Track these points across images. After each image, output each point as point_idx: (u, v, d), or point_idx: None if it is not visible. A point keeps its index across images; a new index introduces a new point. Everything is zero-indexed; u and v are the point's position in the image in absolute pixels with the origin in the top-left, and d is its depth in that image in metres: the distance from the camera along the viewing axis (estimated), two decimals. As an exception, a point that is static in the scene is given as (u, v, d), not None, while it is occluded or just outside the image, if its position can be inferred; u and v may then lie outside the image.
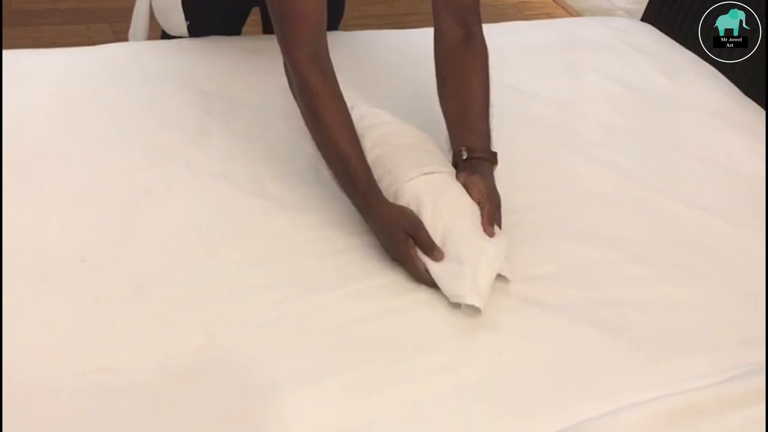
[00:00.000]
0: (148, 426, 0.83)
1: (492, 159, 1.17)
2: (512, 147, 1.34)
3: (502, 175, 1.25)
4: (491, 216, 1.09)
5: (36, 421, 0.82)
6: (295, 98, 1.14)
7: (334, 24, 1.65)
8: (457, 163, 1.17)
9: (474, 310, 0.99)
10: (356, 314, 0.99)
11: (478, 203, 1.11)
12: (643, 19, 2.18)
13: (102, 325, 0.93)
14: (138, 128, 1.25)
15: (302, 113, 1.13)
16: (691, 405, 0.89)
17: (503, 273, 1.04)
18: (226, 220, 1.11)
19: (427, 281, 1.03)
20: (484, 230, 1.07)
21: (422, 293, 1.02)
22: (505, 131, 1.38)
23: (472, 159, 1.15)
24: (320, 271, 1.04)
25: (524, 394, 0.92)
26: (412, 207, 1.08)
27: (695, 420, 0.88)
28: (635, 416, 0.87)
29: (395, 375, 0.92)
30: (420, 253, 1.04)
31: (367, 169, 1.09)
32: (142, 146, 1.21)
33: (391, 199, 1.10)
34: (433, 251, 1.03)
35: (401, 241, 1.04)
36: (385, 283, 1.03)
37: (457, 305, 1.00)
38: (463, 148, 1.16)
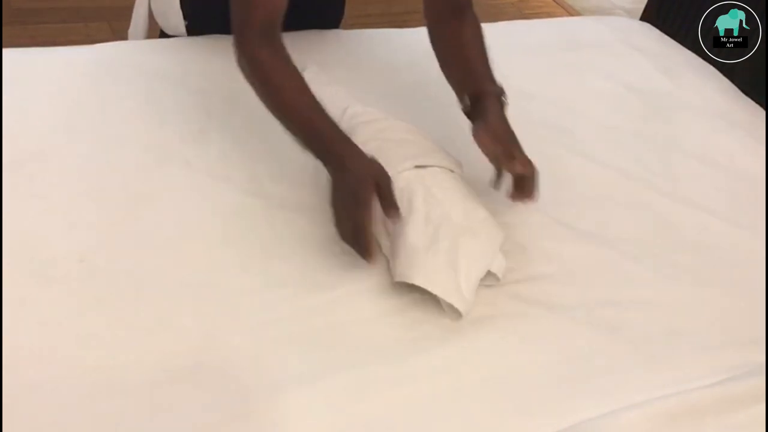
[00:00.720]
0: (147, 426, 0.83)
1: (498, 92, 1.15)
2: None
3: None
4: (520, 185, 1.08)
5: (35, 420, 0.82)
6: (247, 79, 1.13)
7: (334, 23, 1.65)
8: (467, 114, 1.16)
9: (455, 312, 0.97)
10: (356, 314, 0.99)
11: (495, 160, 1.10)
12: (642, 19, 2.19)
13: (101, 325, 0.93)
14: (137, 127, 1.25)
15: (257, 91, 1.12)
16: (691, 405, 0.89)
17: (494, 270, 1.03)
18: (225, 219, 1.10)
19: (361, 243, 0.99)
20: (520, 199, 1.08)
21: (422, 293, 1.01)
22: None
23: (476, 100, 1.14)
24: (320, 271, 1.03)
25: (524, 394, 0.92)
26: (404, 197, 1.06)
27: (695, 420, 0.88)
28: (635, 416, 0.87)
29: (395, 375, 0.92)
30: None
31: (333, 124, 1.07)
32: (141, 145, 1.21)
33: None
34: (393, 209, 1.01)
35: (368, 188, 1.00)
36: (384, 282, 1.03)
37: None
38: (465, 97, 1.15)
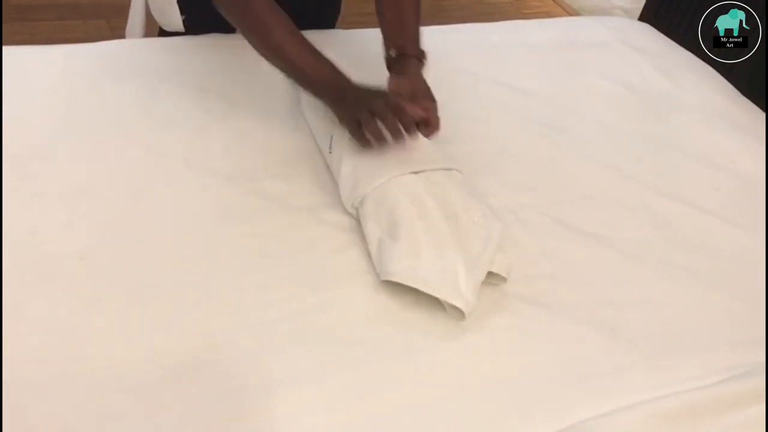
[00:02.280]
0: (147, 425, 0.83)
1: (420, 56, 1.28)
2: (510, 146, 1.35)
3: (500, 175, 1.26)
4: (415, 100, 1.21)
5: (35, 420, 0.82)
6: (234, 20, 1.23)
7: (331, 22, 1.65)
8: (389, 65, 1.29)
9: (458, 314, 0.97)
10: (356, 314, 0.98)
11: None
12: (640, 19, 2.19)
13: (100, 324, 0.92)
14: (137, 126, 1.25)
15: (246, 32, 1.21)
16: (691, 405, 0.90)
17: (496, 270, 1.02)
18: (225, 219, 1.10)
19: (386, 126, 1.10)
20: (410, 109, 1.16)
21: (422, 293, 1.01)
22: (502, 130, 1.39)
23: (401, 56, 1.27)
24: (320, 271, 1.03)
25: (524, 394, 0.92)
26: (400, 202, 1.07)
27: (694, 420, 0.88)
28: (634, 416, 0.87)
29: (395, 375, 0.92)
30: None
31: (327, 60, 1.17)
32: (141, 144, 1.21)
33: (378, 197, 1.09)
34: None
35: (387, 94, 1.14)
36: (384, 282, 1.02)
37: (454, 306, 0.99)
38: (392, 48, 1.28)
